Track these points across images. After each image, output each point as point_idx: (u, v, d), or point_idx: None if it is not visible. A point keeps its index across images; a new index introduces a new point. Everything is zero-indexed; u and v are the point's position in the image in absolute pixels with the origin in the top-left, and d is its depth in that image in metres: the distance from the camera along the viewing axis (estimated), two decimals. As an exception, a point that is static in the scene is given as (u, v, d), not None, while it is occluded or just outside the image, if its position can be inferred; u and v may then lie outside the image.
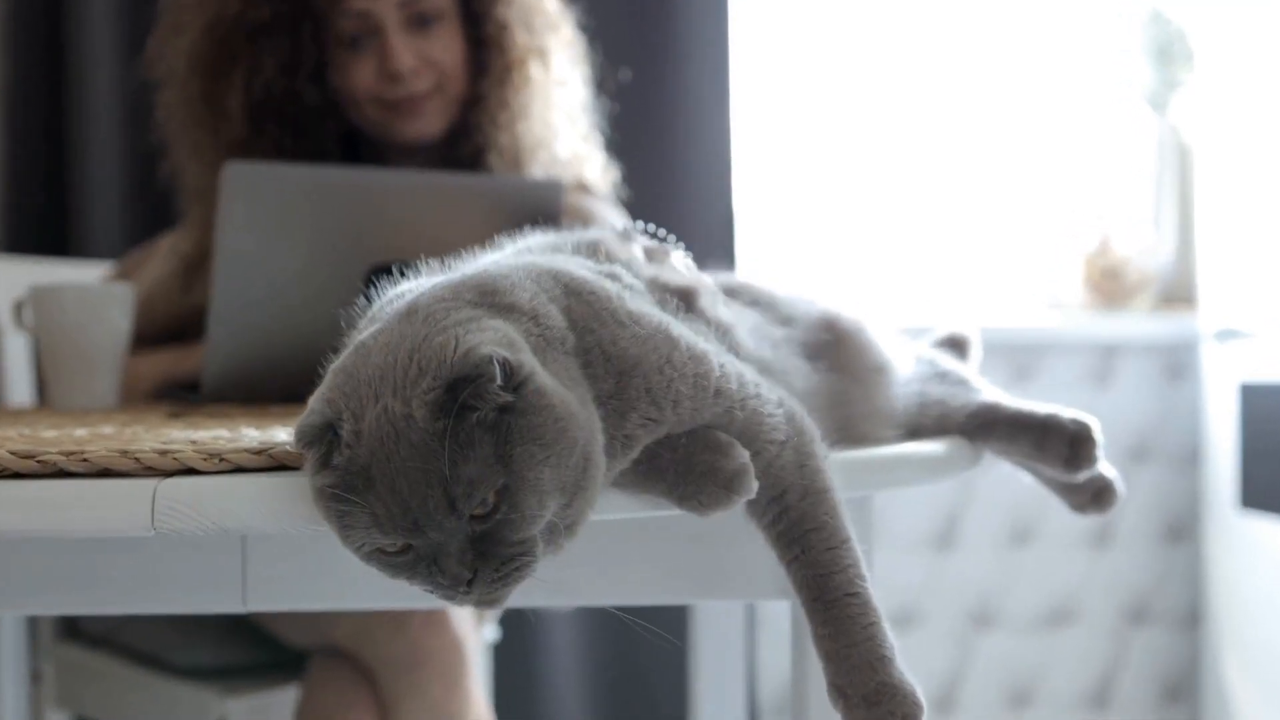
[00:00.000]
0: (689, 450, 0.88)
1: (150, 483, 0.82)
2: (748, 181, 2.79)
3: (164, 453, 0.84)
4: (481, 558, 0.78)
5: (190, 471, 0.84)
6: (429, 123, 1.74)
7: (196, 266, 1.71)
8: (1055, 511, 2.89)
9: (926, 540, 2.93)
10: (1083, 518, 2.82)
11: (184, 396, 1.54)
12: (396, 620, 1.57)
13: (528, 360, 0.79)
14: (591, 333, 0.86)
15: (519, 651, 2.48)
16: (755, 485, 0.88)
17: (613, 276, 0.94)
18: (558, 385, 0.80)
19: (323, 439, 0.79)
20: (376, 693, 1.58)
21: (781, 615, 2.72)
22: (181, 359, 1.69)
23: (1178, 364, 3.00)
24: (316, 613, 1.62)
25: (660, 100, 2.44)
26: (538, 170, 1.75)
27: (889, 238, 3.04)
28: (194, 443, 0.89)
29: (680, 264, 1.10)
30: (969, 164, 3.06)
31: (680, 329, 0.91)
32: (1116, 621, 3.01)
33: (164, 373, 1.68)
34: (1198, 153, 2.97)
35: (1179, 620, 3.02)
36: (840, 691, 0.88)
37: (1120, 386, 2.98)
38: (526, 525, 0.78)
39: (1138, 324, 2.98)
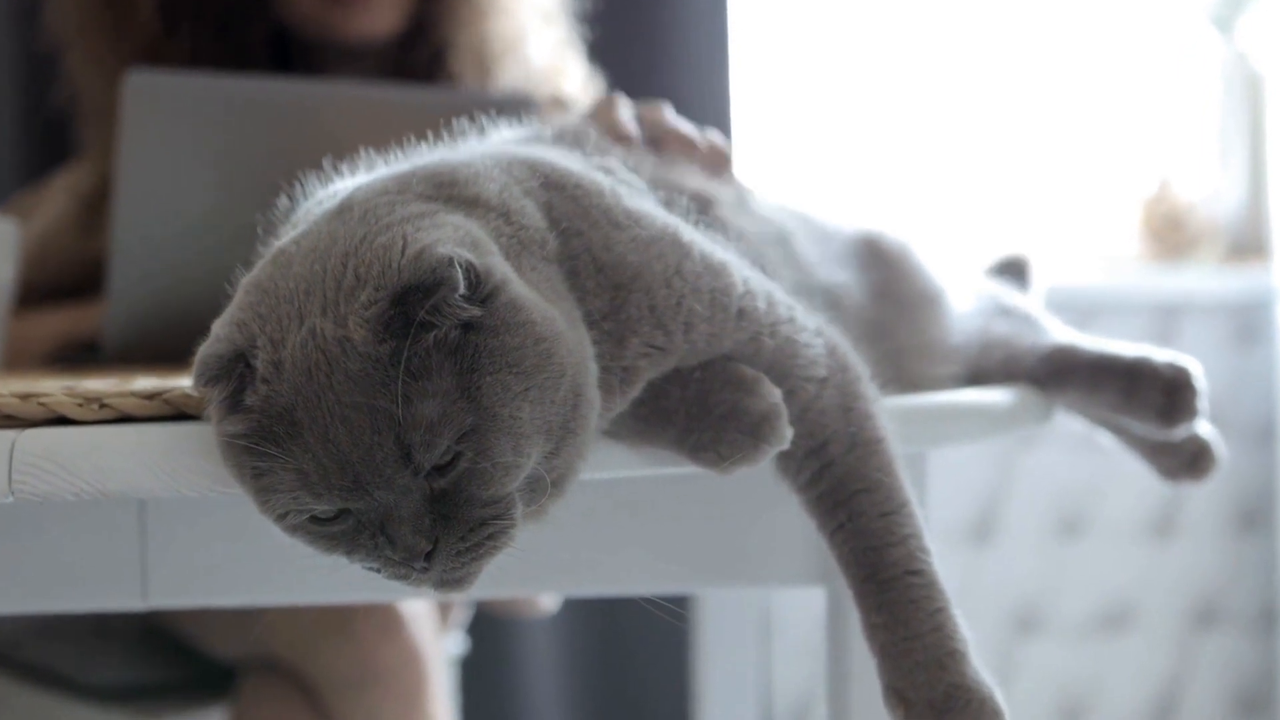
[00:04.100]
0: (705, 387, 0.83)
1: (8, 435, 0.77)
2: (751, 104, 2.77)
3: (27, 397, 0.78)
4: (443, 522, 0.72)
5: (62, 421, 0.78)
6: (378, 17, 1.67)
7: (99, 205, 1.66)
8: (1110, 498, 2.92)
9: (961, 532, 2.92)
10: (1139, 509, 2.99)
11: (86, 360, 1.51)
12: (343, 626, 1.53)
13: (498, 265, 0.73)
14: (579, 235, 0.81)
15: (490, 666, 2.45)
16: (789, 432, 0.83)
17: (606, 170, 0.88)
18: (538, 298, 0.75)
19: (231, 373, 0.72)
20: (320, 713, 1.54)
21: (801, 620, 2.70)
22: (82, 317, 1.64)
23: (1250, 325, 2.98)
24: (247, 618, 1.58)
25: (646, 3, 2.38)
26: (508, 80, 1.71)
27: (916, 176, 3.03)
28: (69, 388, 0.83)
29: (683, 124, 1.05)
30: (1009, 97, 3.06)
31: (692, 233, 0.86)
32: (1182, 624, 3.00)
33: (61, 333, 1.63)
34: (1270, 81, 2.96)
35: (1253, 622, 3.01)
36: (899, 696, 0.83)
37: (1184, 350, 2.90)
38: (501, 478, 0.72)
39: (1203, 279, 2.97)
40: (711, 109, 2.43)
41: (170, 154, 1.35)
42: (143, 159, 1.34)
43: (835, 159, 2.97)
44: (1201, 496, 2.95)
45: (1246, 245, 3.07)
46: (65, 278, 1.70)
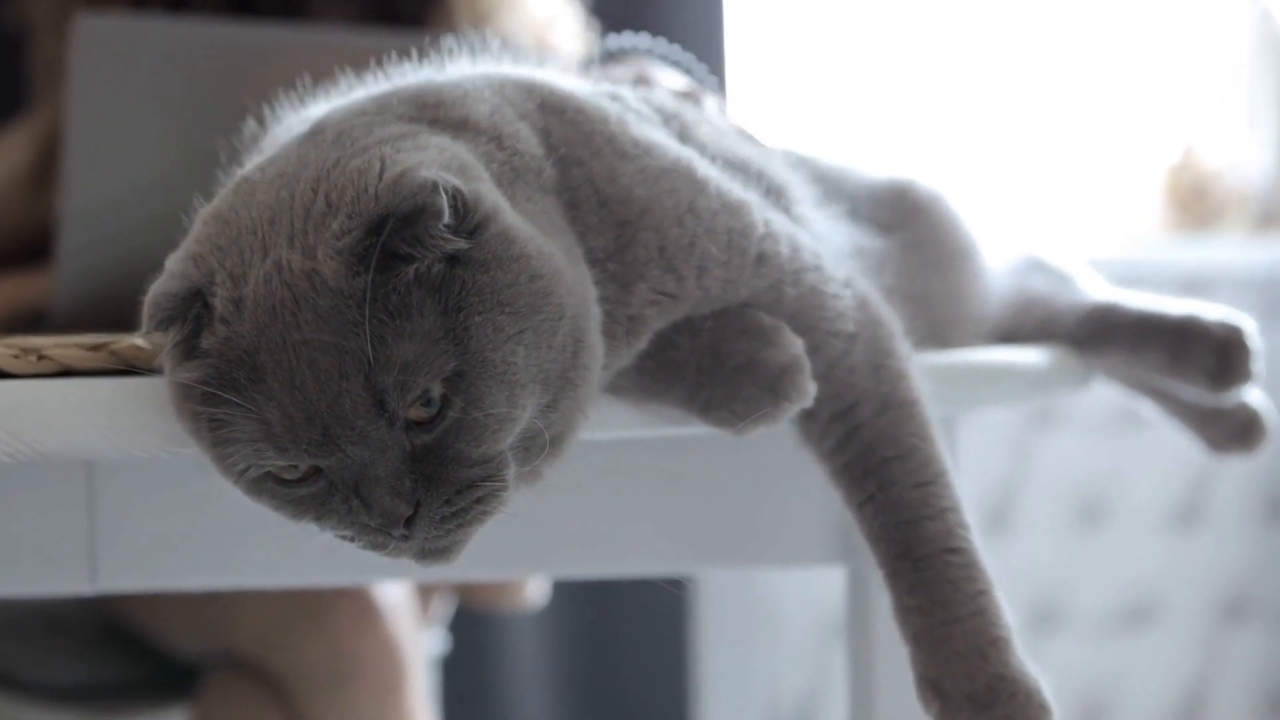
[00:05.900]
0: (718, 336, 0.81)
1: (-66, 390, 0.74)
2: (750, 67, 2.78)
3: (-46, 348, 0.74)
4: (426, 483, 0.69)
5: (-5, 375, 0.75)
6: None
7: (53, 162, 1.62)
8: (1133, 485, 2.92)
9: (974, 521, 2.86)
10: (1163, 497, 2.90)
11: (32, 333, 1.46)
12: (315, 618, 1.52)
13: (488, 192, 0.71)
14: (580, 165, 0.78)
15: (472, 663, 2.45)
16: (812, 388, 0.80)
17: (613, 97, 0.85)
18: (534, 230, 0.72)
19: (186, 314, 0.70)
20: (290, 712, 1.53)
21: (804, 612, 2.67)
22: (28, 284, 1.63)
23: (1279, 299, 2.97)
24: (210, 612, 1.57)
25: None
26: (504, 30, 1.69)
27: (933, 144, 3.03)
28: (4, 340, 0.80)
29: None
30: (1028, 62, 3.06)
31: (708, 168, 0.83)
32: (1209, 618, 3.00)
33: (8, 303, 1.62)
34: (1299, 42, 3.02)
35: (1284, 616, 3.04)
36: (935, 688, 0.81)
37: (1210, 327, 2.97)
38: (494, 432, 0.70)
39: (1230, 250, 2.98)
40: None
41: (125, 104, 1.34)
42: (95, 110, 1.33)
43: (848, 129, 2.97)
44: (1230, 483, 2.95)
45: (1276, 214, 3.08)
46: (16, 244, 1.68)
